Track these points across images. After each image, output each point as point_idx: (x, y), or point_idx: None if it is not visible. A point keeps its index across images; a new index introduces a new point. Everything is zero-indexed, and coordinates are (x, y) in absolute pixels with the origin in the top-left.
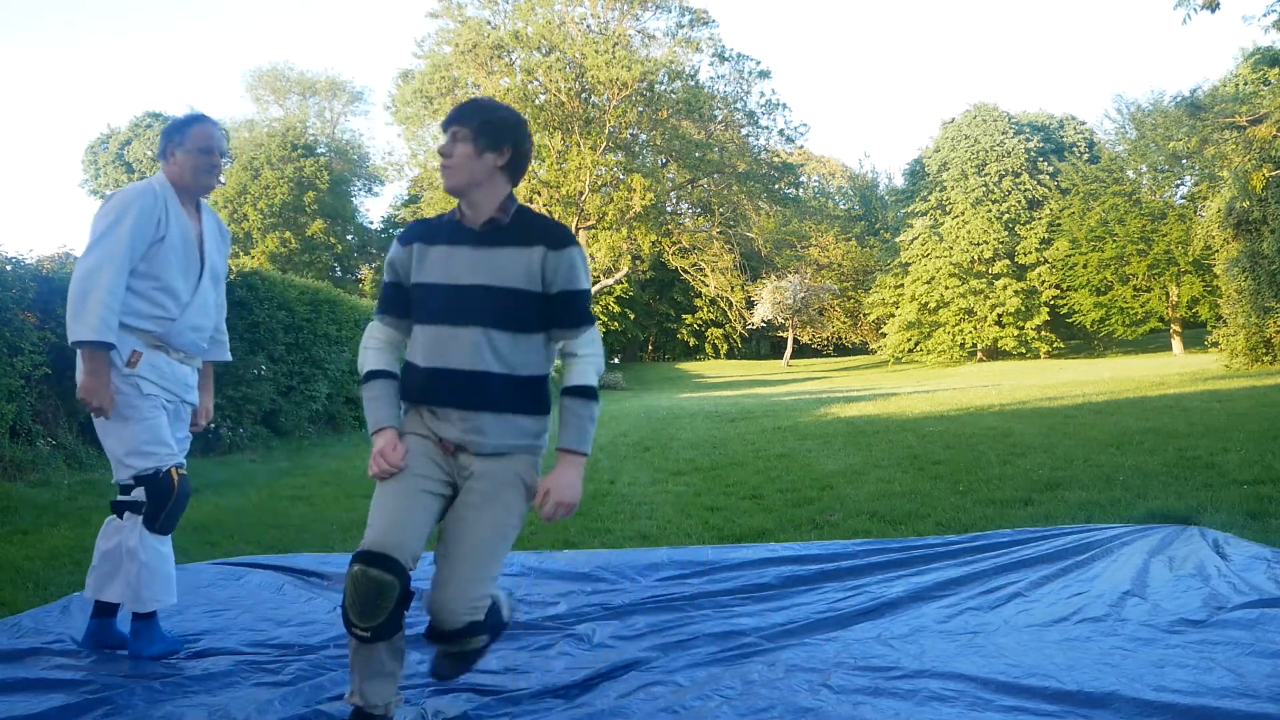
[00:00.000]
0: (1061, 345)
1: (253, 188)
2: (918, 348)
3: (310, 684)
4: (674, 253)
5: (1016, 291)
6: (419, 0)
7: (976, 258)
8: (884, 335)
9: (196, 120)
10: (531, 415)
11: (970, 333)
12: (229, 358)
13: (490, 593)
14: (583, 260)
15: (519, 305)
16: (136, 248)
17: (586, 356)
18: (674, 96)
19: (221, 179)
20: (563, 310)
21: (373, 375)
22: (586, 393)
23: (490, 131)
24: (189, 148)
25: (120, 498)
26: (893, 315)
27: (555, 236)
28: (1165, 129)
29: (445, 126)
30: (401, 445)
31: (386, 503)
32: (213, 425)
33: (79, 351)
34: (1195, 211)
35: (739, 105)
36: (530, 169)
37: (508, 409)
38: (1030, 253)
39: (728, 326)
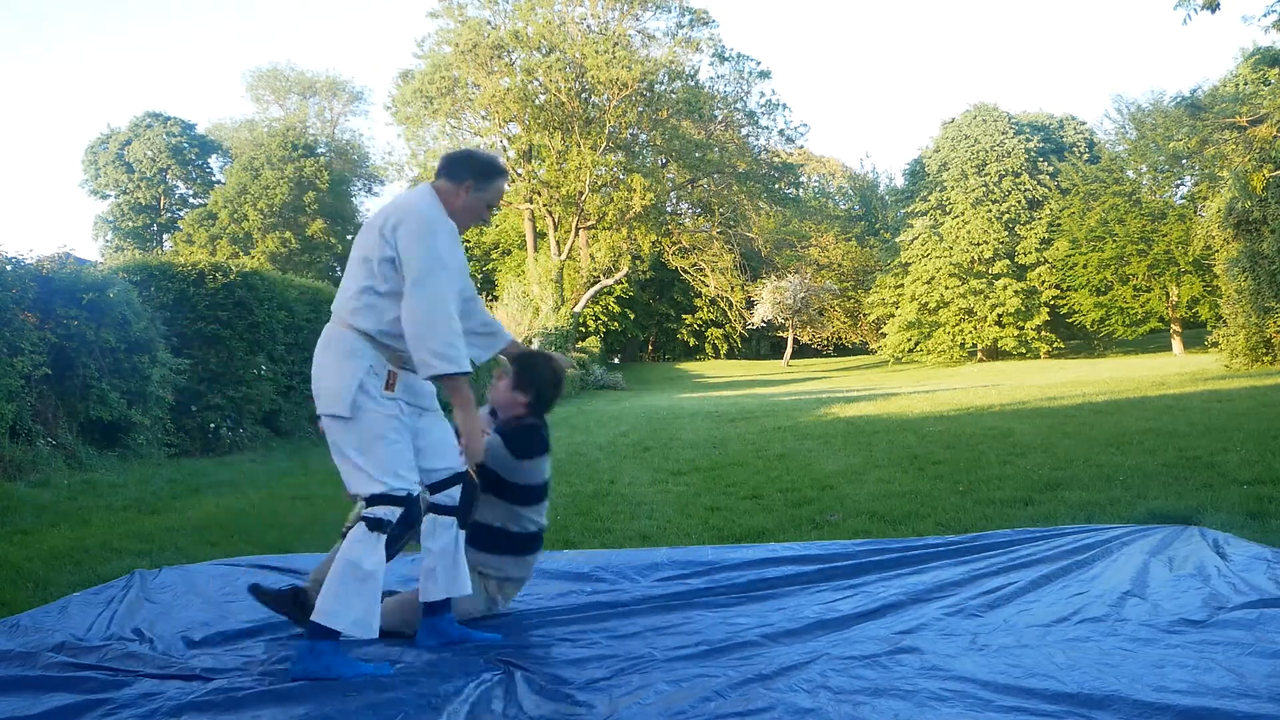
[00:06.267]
0: (1061, 345)
1: (253, 188)
2: (918, 348)
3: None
4: (674, 253)
5: (1016, 291)
6: (419, 0)
7: (976, 258)
8: (884, 335)
9: (503, 175)
10: None
11: (970, 333)
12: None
13: None
14: None
15: None
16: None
17: None
18: (674, 96)
19: None
20: None
21: None
22: None
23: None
24: (486, 198)
25: (369, 512)
26: (893, 315)
27: None
28: (1165, 129)
29: None
30: None
31: None
32: (213, 425)
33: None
34: (1195, 211)
35: (739, 105)
36: (530, 169)
37: None
38: (1030, 253)
39: (728, 326)
